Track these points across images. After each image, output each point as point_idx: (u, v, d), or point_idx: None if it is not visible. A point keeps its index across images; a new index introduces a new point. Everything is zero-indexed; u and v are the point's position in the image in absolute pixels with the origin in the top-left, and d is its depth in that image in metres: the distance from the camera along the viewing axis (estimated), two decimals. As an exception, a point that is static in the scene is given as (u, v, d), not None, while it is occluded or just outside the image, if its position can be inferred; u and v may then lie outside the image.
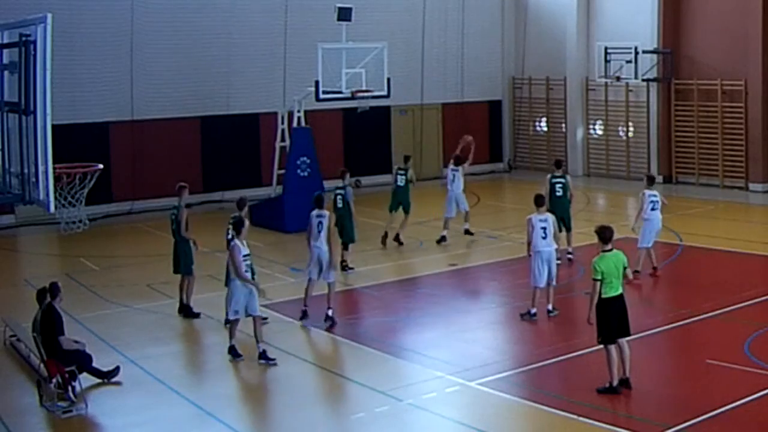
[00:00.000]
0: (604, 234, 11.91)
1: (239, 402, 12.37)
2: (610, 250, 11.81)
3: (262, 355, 13.52)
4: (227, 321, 14.29)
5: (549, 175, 19.81)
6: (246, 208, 15.46)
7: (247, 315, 13.71)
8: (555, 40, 32.64)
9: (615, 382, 11.74)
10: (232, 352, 13.76)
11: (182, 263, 16.19)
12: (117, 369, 13.02)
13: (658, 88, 30.05)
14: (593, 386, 11.88)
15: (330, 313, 15.23)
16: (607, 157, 32.09)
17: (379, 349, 14.13)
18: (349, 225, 18.92)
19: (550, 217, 15.74)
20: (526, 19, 33.81)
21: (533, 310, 15.39)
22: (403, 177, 21.60)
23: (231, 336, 13.89)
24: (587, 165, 32.50)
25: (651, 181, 18.62)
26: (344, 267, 18.73)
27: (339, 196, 19.10)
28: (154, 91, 26.96)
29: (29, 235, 24.11)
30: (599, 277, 11.62)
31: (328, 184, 24.34)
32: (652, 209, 17.88)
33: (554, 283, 15.62)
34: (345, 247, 18.94)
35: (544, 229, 15.46)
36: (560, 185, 19.40)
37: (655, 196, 18.00)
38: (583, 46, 31.89)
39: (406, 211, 21.54)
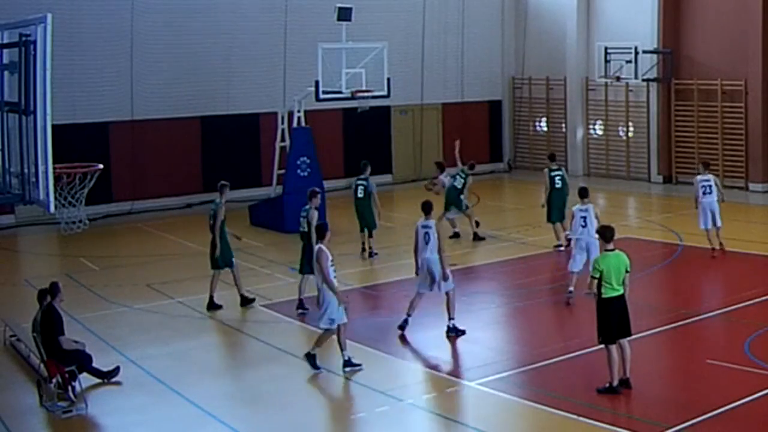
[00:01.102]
0: (605, 234, 12.01)
1: (239, 402, 12.36)
2: (613, 249, 11.84)
3: (348, 363, 13.01)
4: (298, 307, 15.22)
5: (546, 169, 20.55)
6: (316, 199, 15.86)
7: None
8: (555, 40, 32.63)
9: (615, 382, 11.74)
10: (312, 360, 13.04)
11: (220, 258, 16.25)
12: (117, 369, 13.02)
13: (658, 88, 30.03)
14: (593, 386, 11.88)
15: (452, 324, 14.55)
16: (607, 157, 32.09)
17: (379, 349, 14.13)
18: (370, 213, 20.03)
19: (591, 208, 16.38)
20: (526, 19, 33.80)
21: (570, 289, 15.95)
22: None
23: (318, 344, 13.07)
24: (587, 165, 32.49)
25: (705, 167, 19.59)
26: (370, 254, 20.02)
27: (361, 187, 20.20)
28: (154, 91, 26.95)
29: (29, 235, 24.10)
30: (597, 275, 11.65)
31: (328, 184, 24.41)
32: (704, 194, 18.93)
33: None
34: (370, 234, 20.14)
35: (584, 218, 16.19)
36: (559, 177, 20.21)
37: (707, 181, 19.07)
38: (583, 46, 31.88)
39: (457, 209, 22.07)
